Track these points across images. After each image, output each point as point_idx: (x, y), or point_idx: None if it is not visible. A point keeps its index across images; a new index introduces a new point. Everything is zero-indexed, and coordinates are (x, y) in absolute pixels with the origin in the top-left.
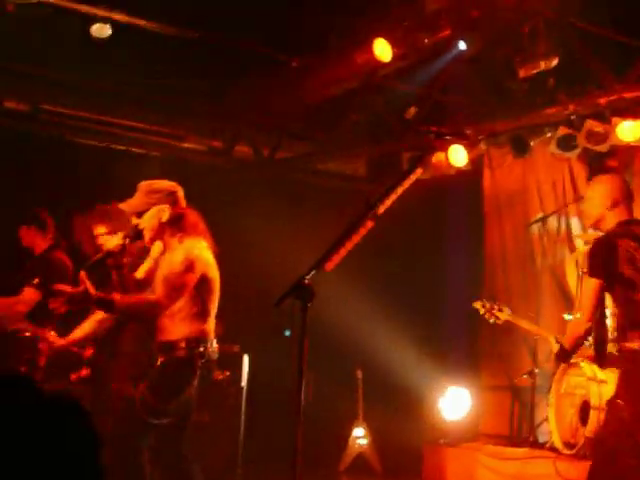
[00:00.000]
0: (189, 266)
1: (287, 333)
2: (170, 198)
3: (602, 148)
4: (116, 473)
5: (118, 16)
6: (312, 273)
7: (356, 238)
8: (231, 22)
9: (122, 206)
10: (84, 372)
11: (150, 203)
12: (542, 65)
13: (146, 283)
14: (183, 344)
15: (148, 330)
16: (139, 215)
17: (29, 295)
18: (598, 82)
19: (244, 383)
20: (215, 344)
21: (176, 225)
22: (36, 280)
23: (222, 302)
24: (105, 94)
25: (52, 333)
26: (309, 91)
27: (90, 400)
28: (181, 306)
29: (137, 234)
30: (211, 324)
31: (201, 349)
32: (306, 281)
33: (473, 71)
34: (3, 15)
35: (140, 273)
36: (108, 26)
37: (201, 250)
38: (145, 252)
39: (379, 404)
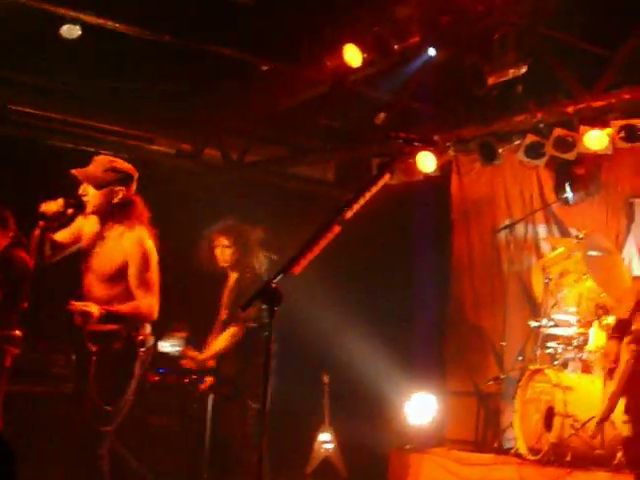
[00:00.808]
0: (148, 258)
1: None
2: (127, 181)
3: (570, 156)
4: None
5: (88, 17)
6: (279, 277)
7: (324, 242)
8: (202, 25)
9: (76, 172)
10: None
11: (106, 180)
12: (511, 73)
13: (62, 248)
14: (123, 333)
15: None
16: (89, 186)
17: None
18: (566, 91)
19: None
20: (150, 328)
21: (124, 210)
22: None
23: (188, 304)
24: (74, 95)
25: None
26: (279, 95)
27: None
28: (119, 292)
29: (79, 205)
30: (147, 310)
31: (141, 337)
32: (273, 285)
33: (442, 78)
34: None
35: (60, 236)
36: (78, 27)
37: (149, 242)
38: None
39: (345, 409)
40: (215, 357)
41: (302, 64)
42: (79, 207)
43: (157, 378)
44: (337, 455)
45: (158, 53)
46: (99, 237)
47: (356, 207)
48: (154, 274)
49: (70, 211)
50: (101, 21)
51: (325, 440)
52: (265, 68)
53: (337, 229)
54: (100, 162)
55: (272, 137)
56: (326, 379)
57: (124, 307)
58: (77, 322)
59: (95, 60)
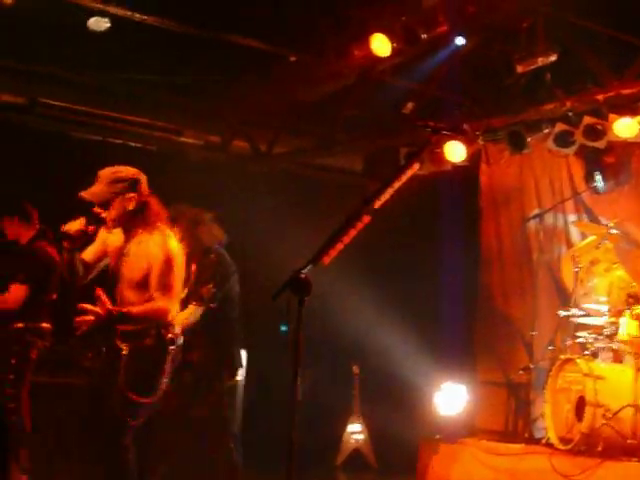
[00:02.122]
0: (171, 262)
1: (283, 329)
2: (135, 186)
3: (600, 144)
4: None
5: (115, 9)
6: (308, 267)
7: (353, 232)
8: (229, 17)
9: (85, 194)
10: None
11: (114, 192)
12: (540, 61)
13: (92, 266)
14: (153, 331)
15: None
16: (101, 206)
17: (16, 293)
18: (596, 79)
19: (241, 378)
20: (178, 329)
21: (141, 214)
22: (21, 276)
23: None
24: (102, 88)
25: None
26: (307, 86)
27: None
28: (149, 295)
29: (100, 222)
30: (176, 308)
31: (170, 335)
32: (302, 275)
33: (471, 67)
34: (1, 9)
35: (88, 255)
36: (106, 19)
37: (173, 242)
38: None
39: (375, 400)
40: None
41: (329, 55)
42: (100, 222)
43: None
44: (367, 446)
45: (186, 45)
46: (124, 247)
47: (385, 197)
48: (176, 277)
49: (92, 228)
50: (128, 13)
51: (355, 431)
52: (293, 59)
53: (367, 219)
54: (103, 177)
55: (300, 128)
56: (356, 370)
57: (137, 309)
58: (76, 324)
59: (123, 52)
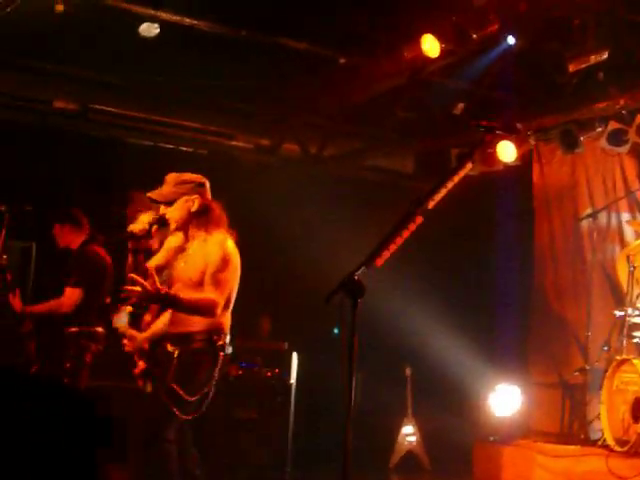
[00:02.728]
0: (227, 261)
1: (336, 331)
2: (199, 189)
3: None
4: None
5: (165, 15)
6: (362, 269)
7: (406, 234)
8: (278, 21)
9: (152, 194)
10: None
11: (179, 193)
12: (592, 59)
13: (156, 273)
14: (201, 336)
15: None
16: (167, 205)
17: (70, 295)
18: None
19: (293, 381)
20: (228, 338)
21: (203, 216)
22: (74, 280)
23: (271, 300)
24: (153, 93)
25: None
26: (357, 88)
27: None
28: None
29: (163, 222)
30: (228, 318)
31: (221, 342)
32: (356, 277)
33: (522, 66)
34: (52, 16)
35: (152, 262)
36: (156, 25)
37: (230, 244)
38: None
39: (428, 401)
40: (152, 339)
41: (379, 56)
42: (163, 223)
43: (240, 372)
44: (420, 448)
45: (235, 49)
46: (182, 247)
47: (438, 197)
48: (230, 274)
49: (155, 228)
50: (178, 18)
51: (408, 433)
52: (342, 61)
53: (419, 220)
54: (170, 180)
55: (350, 130)
56: (409, 371)
57: (187, 296)
58: (123, 294)
59: (173, 57)
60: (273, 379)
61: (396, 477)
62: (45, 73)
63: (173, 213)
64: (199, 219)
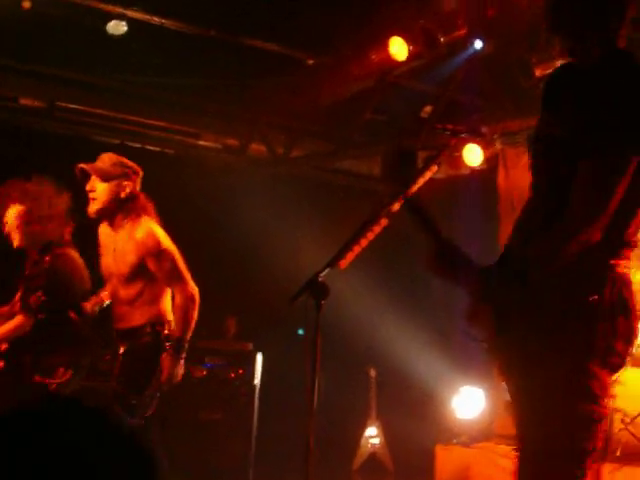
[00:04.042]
0: (166, 251)
1: (300, 332)
2: (134, 177)
3: None
4: None
5: (134, 13)
6: (326, 270)
7: (370, 236)
8: (247, 21)
9: (84, 165)
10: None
11: (113, 173)
12: (558, 64)
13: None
14: (148, 329)
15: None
16: (102, 180)
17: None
18: None
19: (257, 381)
20: (173, 325)
21: (130, 204)
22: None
23: (236, 301)
24: (121, 91)
25: None
26: (325, 90)
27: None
28: (140, 289)
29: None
30: (168, 304)
31: (166, 332)
32: (320, 278)
33: (489, 70)
34: (19, 13)
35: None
36: (124, 23)
37: (159, 229)
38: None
39: (392, 403)
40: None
41: (347, 58)
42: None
43: (204, 373)
44: (384, 450)
45: (204, 48)
46: (112, 240)
47: (403, 200)
48: (177, 261)
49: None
50: (147, 17)
51: (372, 435)
52: (310, 62)
53: (384, 222)
54: (107, 157)
55: (317, 132)
56: (373, 373)
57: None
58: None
59: (141, 56)
60: (237, 380)
61: (359, 479)
62: (11, 70)
63: (101, 194)
64: (126, 206)
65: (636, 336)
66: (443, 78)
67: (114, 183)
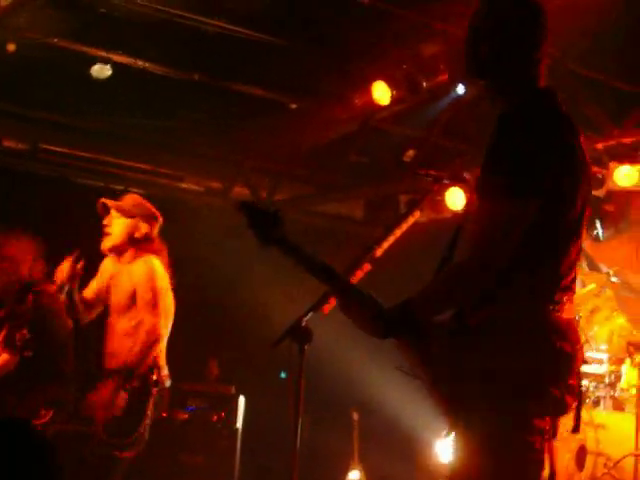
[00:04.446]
0: (155, 281)
1: (283, 375)
2: (152, 221)
3: (599, 193)
4: None
5: (118, 57)
6: (309, 315)
7: (353, 280)
8: (230, 65)
9: (106, 200)
10: None
11: (133, 213)
12: None
13: (95, 303)
14: (140, 371)
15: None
16: (122, 215)
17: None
18: (596, 127)
19: (239, 424)
20: (166, 371)
21: (143, 245)
22: None
23: (218, 343)
24: (104, 134)
25: None
26: (308, 133)
27: None
28: (137, 321)
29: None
30: (163, 348)
31: (154, 377)
32: (303, 323)
33: (472, 114)
34: (4, 56)
35: (89, 293)
36: (108, 67)
37: (159, 265)
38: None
39: (375, 446)
40: None
41: (330, 102)
42: (90, 259)
43: (186, 416)
44: None
45: (187, 91)
46: (116, 273)
47: (386, 245)
48: (162, 296)
49: (80, 265)
50: (131, 60)
51: (354, 478)
52: (293, 106)
53: (367, 267)
54: (131, 198)
55: (300, 175)
56: (355, 416)
57: (145, 338)
58: None
59: (125, 99)
60: (219, 423)
61: None
62: None
63: (115, 228)
64: (138, 246)
65: (572, 377)
66: (426, 122)
67: (131, 222)
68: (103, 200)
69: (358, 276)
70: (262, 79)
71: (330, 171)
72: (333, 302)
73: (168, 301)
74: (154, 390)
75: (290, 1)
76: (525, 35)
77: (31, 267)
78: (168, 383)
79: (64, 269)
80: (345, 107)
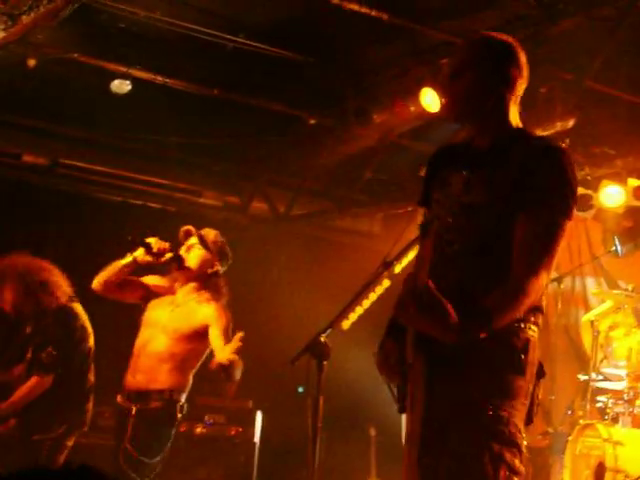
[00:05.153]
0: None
1: (300, 390)
2: (224, 261)
3: (618, 209)
4: None
5: (138, 72)
6: (328, 331)
7: (373, 296)
8: (249, 80)
9: (191, 228)
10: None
11: (211, 248)
12: (558, 126)
13: (143, 288)
14: (167, 395)
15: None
16: (202, 248)
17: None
18: (614, 143)
19: (257, 439)
20: (184, 398)
21: (210, 282)
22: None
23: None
24: (123, 149)
25: None
26: (326, 149)
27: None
28: (189, 351)
29: (177, 259)
30: (191, 378)
31: (182, 402)
32: (322, 339)
33: None
34: (24, 71)
35: (149, 280)
36: (128, 82)
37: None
38: None
39: (392, 462)
40: (15, 411)
41: (349, 118)
42: (176, 260)
43: (204, 431)
44: None
45: (207, 107)
46: (177, 295)
47: (405, 261)
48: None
49: (167, 257)
50: (151, 76)
51: None
52: (312, 122)
53: (387, 283)
54: (213, 233)
55: (319, 190)
56: (373, 432)
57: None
58: None
59: (144, 114)
60: (237, 438)
61: None
62: (15, 127)
63: (193, 258)
64: (204, 282)
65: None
66: (444, 138)
67: (208, 256)
68: (188, 227)
69: (377, 292)
70: (281, 94)
71: (348, 186)
72: (352, 318)
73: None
74: (178, 415)
75: (309, 17)
76: (499, 74)
77: (64, 289)
78: (185, 409)
79: (161, 245)
80: (364, 123)
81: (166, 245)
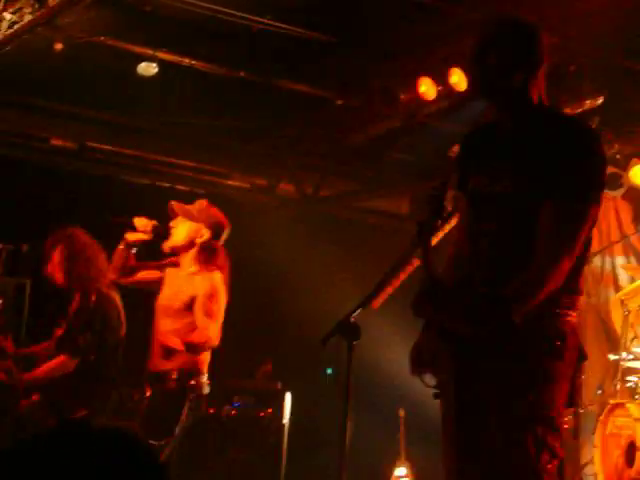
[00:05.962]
0: (217, 294)
1: (329, 371)
2: (216, 228)
3: None
4: None
5: (164, 55)
6: (358, 311)
7: (402, 276)
8: (276, 62)
9: (175, 203)
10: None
11: (198, 218)
12: (587, 104)
13: (143, 274)
14: (174, 375)
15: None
16: (188, 219)
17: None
18: None
19: (286, 420)
20: (206, 378)
21: (206, 254)
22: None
23: (264, 339)
24: (151, 132)
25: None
26: (353, 129)
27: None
28: (190, 321)
29: (164, 233)
30: (207, 357)
31: (192, 382)
32: (352, 319)
33: None
34: (51, 55)
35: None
36: (154, 65)
37: (221, 284)
38: None
39: (422, 443)
40: (38, 385)
41: (376, 99)
42: (162, 236)
43: (233, 412)
44: None
45: (233, 89)
46: (175, 277)
47: (434, 240)
48: (218, 310)
49: (151, 235)
50: (177, 58)
51: (401, 475)
52: (339, 102)
53: (416, 262)
54: (199, 203)
55: (346, 171)
56: (402, 413)
57: (194, 337)
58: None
59: (170, 97)
60: (266, 419)
61: None
62: (43, 111)
63: (179, 231)
64: (201, 254)
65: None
66: (471, 118)
67: (195, 226)
68: (173, 202)
69: (407, 271)
70: (307, 76)
71: (376, 167)
72: (382, 297)
73: (220, 317)
74: (190, 395)
75: None
76: (524, 54)
77: (108, 275)
78: (206, 390)
79: (146, 224)
80: (391, 103)
81: (150, 222)
